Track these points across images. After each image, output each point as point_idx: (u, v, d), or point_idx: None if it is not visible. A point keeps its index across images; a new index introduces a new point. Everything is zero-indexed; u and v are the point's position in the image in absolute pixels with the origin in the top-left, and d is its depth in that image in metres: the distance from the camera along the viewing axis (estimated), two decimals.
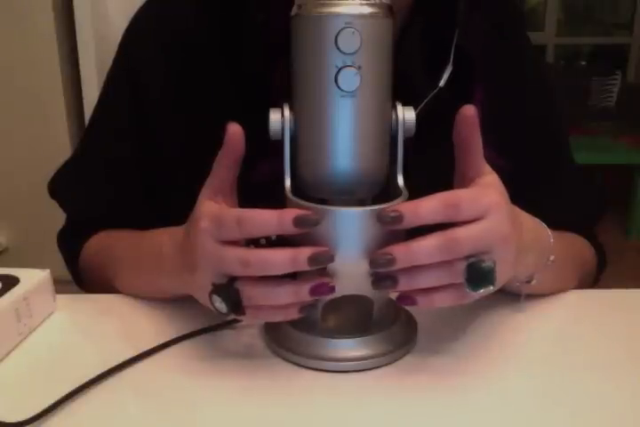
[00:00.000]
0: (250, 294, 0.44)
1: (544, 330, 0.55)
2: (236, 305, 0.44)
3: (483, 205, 0.44)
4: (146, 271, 0.57)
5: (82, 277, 0.70)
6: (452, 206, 0.42)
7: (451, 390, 0.46)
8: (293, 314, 0.45)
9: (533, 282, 0.54)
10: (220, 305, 0.44)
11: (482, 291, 0.43)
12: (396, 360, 0.49)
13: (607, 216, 0.74)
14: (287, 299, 0.44)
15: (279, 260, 0.42)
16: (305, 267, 0.42)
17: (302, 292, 0.43)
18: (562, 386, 0.46)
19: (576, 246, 0.68)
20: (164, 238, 0.54)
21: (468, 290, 0.43)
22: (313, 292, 0.43)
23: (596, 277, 0.73)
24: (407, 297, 0.45)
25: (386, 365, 0.48)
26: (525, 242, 0.48)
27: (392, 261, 0.42)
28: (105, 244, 0.67)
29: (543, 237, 0.54)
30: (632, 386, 0.46)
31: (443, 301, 0.45)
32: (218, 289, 0.44)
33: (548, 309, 0.59)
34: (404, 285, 0.43)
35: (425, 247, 0.42)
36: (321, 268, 0.44)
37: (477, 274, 0.42)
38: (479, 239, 0.43)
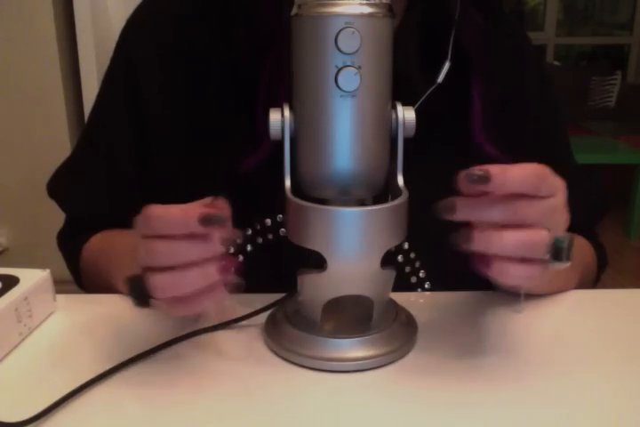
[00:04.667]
0: (156, 282, 0.42)
1: (544, 330, 0.55)
2: (140, 296, 0.43)
3: (560, 183, 0.43)
4: None
5: (83, 277, 0.70)
6: (542, 178, 0.41)
7: (450, 390, 0.46)
8: (205, 300, 0.43)
9: None
10: (129, 297, 0.44)
11: (559, 265, 0.43)
12: (396, 360, 0.49)
13: (607, 216, 0.74)
14: (198, 282, 0.42)
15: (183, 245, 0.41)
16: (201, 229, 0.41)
17: (210, 271, 0.42)
18: (561, 386, 0.46)
19: (576, 246, 0.68)
20: None
21: (551, 264, 0.43)
22: (222, 269, 0.42)
23: (597, 278, 0.73)
24: (482, 257, 0.42)
25: (386, 365, 0.48)
26: None
27: (487, 177, 0.40)
28: (105, 244, 0.67)
29: None
30: (632, 386, 0.46)
31: (516, 271, 0.42)
32: (128, 280, 0.44)
33: (547, 309, 0.59)
34: (481, 242, 0.41)
35: (519, 175, 0.40)
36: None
37: (560, 249, 0.43)
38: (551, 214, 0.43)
